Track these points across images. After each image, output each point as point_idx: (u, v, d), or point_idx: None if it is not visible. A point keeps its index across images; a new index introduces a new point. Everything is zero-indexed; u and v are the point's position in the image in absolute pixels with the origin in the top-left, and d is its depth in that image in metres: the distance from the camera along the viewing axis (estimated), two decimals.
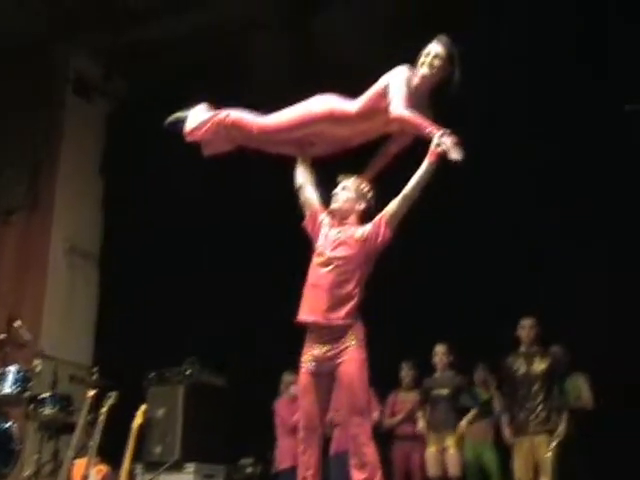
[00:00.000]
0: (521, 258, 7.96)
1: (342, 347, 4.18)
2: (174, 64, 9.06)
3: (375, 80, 4.50)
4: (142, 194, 9.57)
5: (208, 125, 4.81)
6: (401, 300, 8.13)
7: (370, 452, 4.10)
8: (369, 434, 4.11)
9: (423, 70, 4.42)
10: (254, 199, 8.52)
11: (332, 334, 4.21)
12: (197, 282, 8.98)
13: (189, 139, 4.87)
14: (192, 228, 9.14)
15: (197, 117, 4.86)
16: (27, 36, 9.19)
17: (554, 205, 8.01)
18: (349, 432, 4.24)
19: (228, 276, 8.87)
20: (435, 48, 4.42)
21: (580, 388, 7.32)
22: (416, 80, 4.43)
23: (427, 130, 4.11)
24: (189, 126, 4.85)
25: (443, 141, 4.05)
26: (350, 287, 4.27)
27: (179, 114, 4.91)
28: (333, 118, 4.52)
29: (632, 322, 7.33)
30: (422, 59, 4.43)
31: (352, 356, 4.18)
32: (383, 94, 4.41)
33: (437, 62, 4.39)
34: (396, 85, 4.38)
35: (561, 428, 6.79)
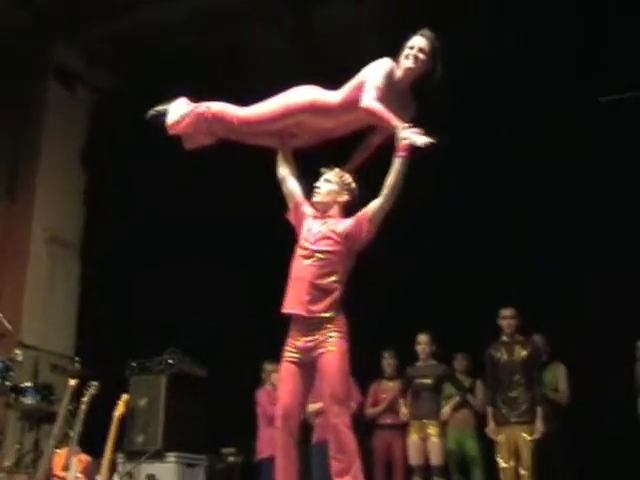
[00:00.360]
0: (502, 249, 8.02)
1: (323, 338, 4.21)
2: (158, 54, 9.01)
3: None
4: (124, 185, 9.55)
5: (189, 119, 4.80)
6: (383, 290, 8.20)
7: (349, 441, 4.13)
8: (348, 423, 4.13)
9: (407, 63, 4.42)
10: (236, 190, 8.52)
11: (314, 326, 4.24)
12: (178, 272, 8.99)
13: (171, 132, 4.85)
14: (173, 219, 9.16)
15: (178, 110, 4.83)
16: (7, 25, 9.10)
17: (533, 199, 8.13)
18: (329, 421, 4.26)
19: (209, 266, 8.91)
20: (419, 42, 4.42)
21: (558, 380, 7.44)
22: (399, 73, 4.44)
23: (393, 124, 4.14)
24: (170, 119, 4.83)
25: (408, 134, 4.08)
26: (332, 280, 4.30)
27: (160, 107, 4.90)
28: (314, 109, 4.53)
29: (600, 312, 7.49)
30: (406, 51, 4.44)
31: (333, 347, 4.21)
32: (362, 86, 4.42)
33: (422, 56, 4.40)
34: (373, 77, 4.40)
35: (539, 424, 6.83)
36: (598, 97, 7.86)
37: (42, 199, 9.69)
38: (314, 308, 4.25)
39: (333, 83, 4.52)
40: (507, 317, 7.11)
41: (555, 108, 7.98)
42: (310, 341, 4.25)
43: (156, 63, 9.03)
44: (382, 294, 8.14)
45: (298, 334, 4.32)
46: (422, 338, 7.57)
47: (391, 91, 4.43)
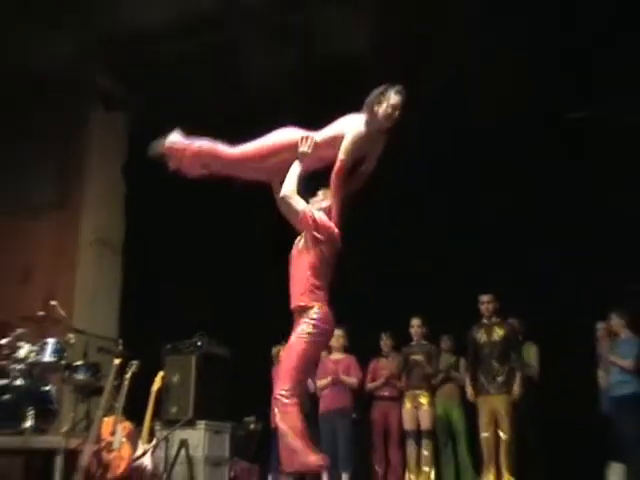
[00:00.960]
0: (484, 241, 8.21)
1: (298, 324, 4.41)
2: (186, 81, 9.05)
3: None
4: (158, 193, 9.43)
5: (184, 155, 4.82)
6: (381, 281, 8.46)
7: (287, 407, 4.25)
8: (282, 398, 4.24)
9: (387, 123, 4.58)
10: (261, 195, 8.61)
11: (297, 314, 4.45)
12: (206, 267, 9.14)
13: (166, 154, 4.89)
14: (201, 222, 9.27)
15: (170, 139, 4.90)
16: (59, 57, 9.24)
17: (507, 191, 8.24)
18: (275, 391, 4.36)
19: (233, 263, 9.05)
20: (395, 99, 4.54)
21: (530, 358, 7.70)
22: (376, 125, 4.60)
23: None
24: (163, 145, 4.89)
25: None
26: (305, 275, 4.48)
27: (157, 144, 4.94)
28: (296, 149, 4.62)
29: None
30: (384, 106, 4.56)
31: (297, 330, 4.39)
32: (334, 145, 4.61)
33: (397, 114, 4.55)
34: (346, 144, 4.57)
35: (516, 388, 7.17)
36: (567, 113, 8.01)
37: (89, 206, 9.87)
38: (295, 300, 4.48)
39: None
40: (485, 302, 7.45)
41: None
42: (295, 326, 4.45)
43: (184, 89, 9.04)
44: (380, 285, 8.36)
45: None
46: (415, 321, 7.92)
47: (363, 139, 4.62)
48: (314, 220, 4.46)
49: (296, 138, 4.68)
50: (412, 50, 7.83)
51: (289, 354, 4.44)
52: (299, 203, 4.50)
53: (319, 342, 4.48)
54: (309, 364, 4.54)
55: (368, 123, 4.64)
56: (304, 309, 4.45)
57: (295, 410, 4.27)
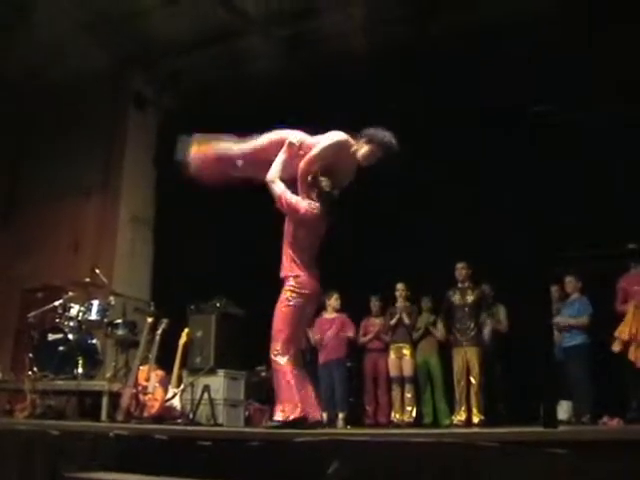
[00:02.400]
0: (459, 214, 7.96)
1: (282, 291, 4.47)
2: (210, 84, 9.08)
3: None
4: (184, 179, 9.58)
5: (203, 164, 4.73)
6: (369, 250, 8.26)
7: (277, 364, 4.32)
8: (274, 357, 4.32)
9: (366, 162, 4.53)
10: None
11: (283, 282, 4.50)
12: (223, 240, 9.04)
13: (189, 160, 4.77)
14: (221, 201, 8.60)
15: (191, 150, 4.77)
16: (102, 61, 9.44)
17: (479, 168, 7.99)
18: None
19: (246, 235, 8.84)
20: (380, 154, 4.50)
21: (500, 316, 7.68)
22: (357, 158, 4.53)
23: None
24: (183, 153, 4.80)
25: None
26: (285, 249, 4.54)
27: (181, 149, 4.82)
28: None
29: None
30: (365, 148, 4.51)
31: (280, 297, 4.45)
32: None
33: (375, 160, 4.52)
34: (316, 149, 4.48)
35: (485, 340, 7.30)
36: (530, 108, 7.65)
37: (127, 189, 9.96)
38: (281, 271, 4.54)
39: None
40: (459, 268, 7.49)
41: None
42: None
43: (206, 90, 9.07)
44: (369, 254, 8.18)
45: None
46: (399, 286, 7.94)
47: (336, 157, 4.53)
48: (286, 202, 4.47)
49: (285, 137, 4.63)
50: None
51: (275, 319, 4.47)
52: (279, 186, 4.52)
53: (300, 305, 4.46)
54: (295, 325, 4.47)
55: (351, 146, 4.58)
56: (286, 278, 4.49)
57: (286, 366, 4.32)
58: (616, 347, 6.41)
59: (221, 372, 7.62)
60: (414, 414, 7.66)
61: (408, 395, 7.69)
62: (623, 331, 6.41)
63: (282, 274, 4.52)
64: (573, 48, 7.32)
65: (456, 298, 7.51)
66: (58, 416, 6.57)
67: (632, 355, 6.30)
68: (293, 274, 4.46)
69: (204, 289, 8.24)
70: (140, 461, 3.80)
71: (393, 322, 7.84)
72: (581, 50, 7.28)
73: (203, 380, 7.33)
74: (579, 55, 7.31)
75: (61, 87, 9.71)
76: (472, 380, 7.19)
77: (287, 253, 4.53)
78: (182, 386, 6.95)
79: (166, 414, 6.51)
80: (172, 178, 9.58)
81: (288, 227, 4.56)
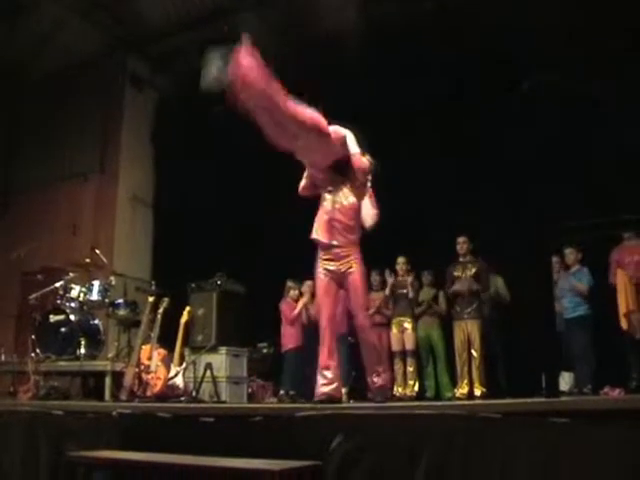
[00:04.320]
0: (459, 191, 7.97)
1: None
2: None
3: None
4: (182, 156, 9.55)
5: (252, 84, 3.93)
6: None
7: (372, 336, 4.84)
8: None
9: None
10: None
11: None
12: (223, 218, 9.06)
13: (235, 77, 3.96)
14: (216, 179, 9.14)
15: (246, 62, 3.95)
16: (97, 44, 9.42)
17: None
18: (357, 322, 4.71)
19: (246, 214, 8.92)
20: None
21: (499, 287, 7.63)
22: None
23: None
24: (242, 65, 3.94)
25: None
26: (356, 223, 4.96)
27: (208, 75, 4.66)
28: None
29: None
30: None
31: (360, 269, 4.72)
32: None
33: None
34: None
35: (486, 312, 7.26)
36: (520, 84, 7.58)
37: (125, 169, 9.96)
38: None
39: None
40: (460, 243, 7.42)
41: None
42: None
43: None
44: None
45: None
46: (400, 260, 7.86)
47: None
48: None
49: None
50: None
51: (364, 291, 4.91)
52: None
53: None
54: None
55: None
56: (357, 249, 4.87)
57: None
58: (624, 325, 6.41)
59: (223, 349, 7.61)
60: (416, 388, 7.64)
61: (410, 369, 7.66)
62: (621, 304, 6.43)
63: (350, 249, 4.74)
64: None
65: (457, 272, 7.45)
66: (62, 397, 6.58)
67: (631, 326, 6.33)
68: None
69: (205, 267, 8.22)
70: (144, 439, 3.83)
71: (387, 292, 7.81)
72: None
73: (205, 358, 7.33)
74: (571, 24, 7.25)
75: (56, 70, 9.69)
76: (473, 353, 7.16)
77: (357, 228, 4.81)
78: (184, 364, 6.95)
79: (169, 392, 6.52)
80: (170, 156, 9.92)
81: (358, 202, 4.80)
